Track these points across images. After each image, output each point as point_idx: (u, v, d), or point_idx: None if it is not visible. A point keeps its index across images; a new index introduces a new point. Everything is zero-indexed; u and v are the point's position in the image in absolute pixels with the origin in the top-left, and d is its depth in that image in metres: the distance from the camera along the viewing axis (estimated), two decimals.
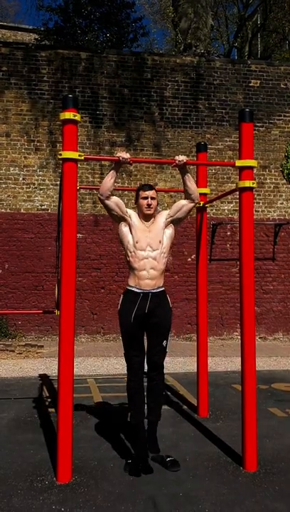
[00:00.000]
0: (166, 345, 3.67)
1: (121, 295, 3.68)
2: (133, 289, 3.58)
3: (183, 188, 3.75)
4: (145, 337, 3.69)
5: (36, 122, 9.33)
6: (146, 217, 3.66)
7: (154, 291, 3.58)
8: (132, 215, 3.67)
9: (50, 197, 9.27)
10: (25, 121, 9.29)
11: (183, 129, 9.79)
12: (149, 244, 3.59)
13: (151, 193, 3.64)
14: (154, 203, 3.65)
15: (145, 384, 3.69)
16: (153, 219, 3.70)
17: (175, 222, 3.74)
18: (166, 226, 3.70)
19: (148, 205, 3.62)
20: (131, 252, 3.61)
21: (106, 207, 3.62)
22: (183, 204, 3.73)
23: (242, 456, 3.53)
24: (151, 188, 3.70)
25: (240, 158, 3.65)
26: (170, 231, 3.71)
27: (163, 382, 3.83)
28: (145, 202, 3.63)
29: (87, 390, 5.57)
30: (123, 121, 9.63)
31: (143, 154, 9.60)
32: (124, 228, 3.65)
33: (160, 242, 3.62)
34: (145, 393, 3.70)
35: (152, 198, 3.64)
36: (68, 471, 3.27)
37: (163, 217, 3.71)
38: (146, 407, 3.66)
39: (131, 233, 3.62)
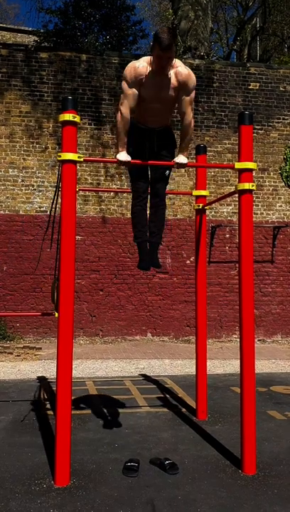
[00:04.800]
0: (168, 174, 3.85)
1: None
2: (139, 125, 3.72)
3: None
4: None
5: (36, 124, 9.33)
6: (159, 70, 3.44)
7: (159, 129, 3.73)
8: (144, 69, 3.46)
9: (50, 199, 9.25)
10: (24, 122, 9.29)
11: None
12: (158, 98, 3.56)
13: (168, 53, 3.31)
14: (170, 62, 3.41)
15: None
16: (167, 70, 3.46)
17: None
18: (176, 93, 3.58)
19: (162, 67, 3.40)
20: (139, 105, 3.60)
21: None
22: (182, 112, 3.66)
23: (241, 459, 3.52)
24: (168, 47, 3.28)
25: (239, 160, 3.65)
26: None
27: (164, 208, 3.97)
28: (159, 63, 3.38)
29: (85, 393, 5.55)
30: None
31: None
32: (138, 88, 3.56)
33: (171, 99, 3.59)
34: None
35: (169, 58, 3.36)
36: (66, 474, 3.25)
37: (176, 79, 3.51)
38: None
39: (141, 91, 3.53)
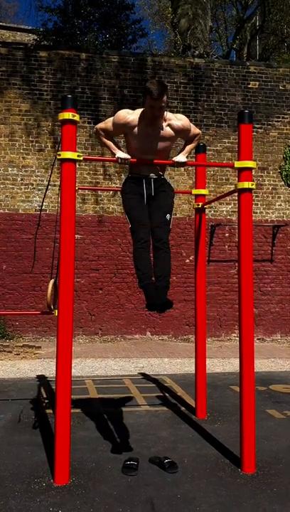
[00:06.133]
0: (170, 219, 3.75)
1: (124, 181, 3.80)
2: (134, 175, 3.70)
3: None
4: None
5: (35, 122, 9.32)
6: (152, 121, 3.50)
7: (156, 177, 3.69)
8: (134, 121, 3.53)
9: (49, 197, 9.25)
10: (23, 121, 9.28)
11: None
12: (151, 149, 3.58)
13: (159, 102, 3.38)
14: (162, 112, 3.46)
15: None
16: (159, 122, 3.52)
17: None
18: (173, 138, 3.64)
19: (155, 117, 3.45)
20: (132, 155, 3.64)
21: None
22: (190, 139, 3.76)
23: (240, 457, 3.52)
24: (160, 95, 3.35)
25: (239, 159, 3.65)
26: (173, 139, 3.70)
27: (168, 252, 3.76)
28: (151, 112, 3.43)
29: (84, 391, 5.56)
30: None
31: None
32: (128, 137, 3.64)
33: (164, 149, 3.64)
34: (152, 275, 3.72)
35: (160, 108, 3.41)
36: (66, 472, 3.25)
37: (172, 131, 3.59)
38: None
39: (134, 142, 3.59)
